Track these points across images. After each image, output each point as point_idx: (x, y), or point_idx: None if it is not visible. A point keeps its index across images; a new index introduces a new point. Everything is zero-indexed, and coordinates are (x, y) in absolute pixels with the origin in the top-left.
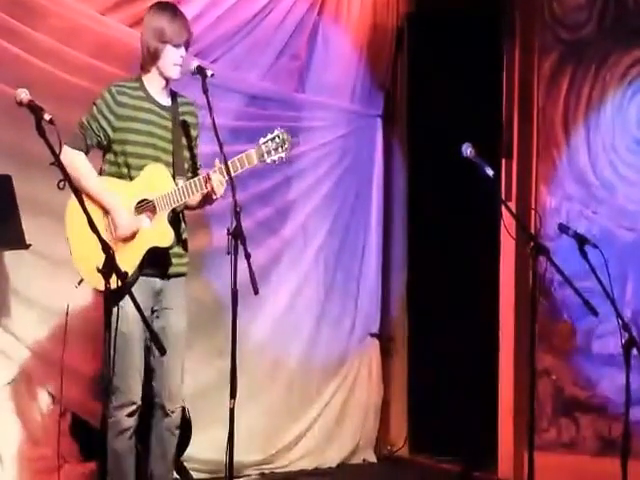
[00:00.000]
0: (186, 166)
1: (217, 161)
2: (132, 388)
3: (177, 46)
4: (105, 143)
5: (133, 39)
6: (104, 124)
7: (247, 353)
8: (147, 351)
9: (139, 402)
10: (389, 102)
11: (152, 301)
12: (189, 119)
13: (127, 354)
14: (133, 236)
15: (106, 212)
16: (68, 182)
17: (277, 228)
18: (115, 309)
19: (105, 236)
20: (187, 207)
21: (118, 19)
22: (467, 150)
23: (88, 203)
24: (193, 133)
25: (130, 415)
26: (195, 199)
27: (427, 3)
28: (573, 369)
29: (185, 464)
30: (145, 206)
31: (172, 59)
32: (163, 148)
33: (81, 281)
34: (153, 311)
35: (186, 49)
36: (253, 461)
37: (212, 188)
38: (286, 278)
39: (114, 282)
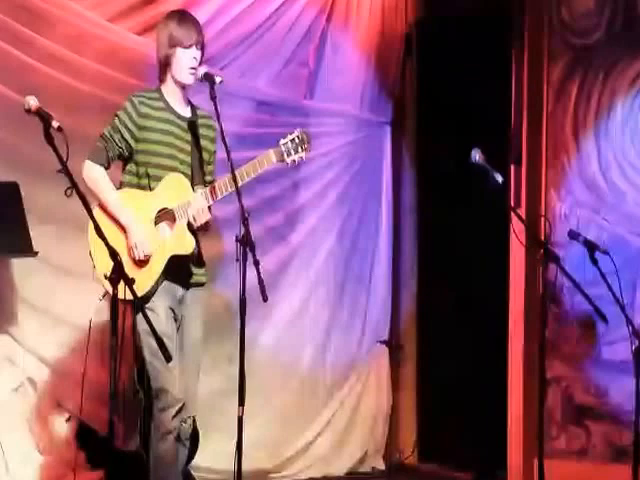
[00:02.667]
0: (206, 178)
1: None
2: (174, 386)
3: (187, 47)
4: (127, 154)
5: (140, 46)
6: (127, 135)
7: (256, 360)
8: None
9: (183, 398)
10: (398, 109)
11: (175, 306)
12: (207, 133)
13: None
14: (146, 262)
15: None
16: (76, 190)
17: (286, 235)
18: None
19: (126, 251)
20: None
21: (126, 27)
22: (476, 156)
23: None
24: (211, 147)
25: (175, 415)
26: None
27: (436, 10)
28: (583, 376)
29: (193, 473)
30: (165, 215)
31: (183, 62)
32: (181, 159)
33: (105, 294)
34: (176, 317)
35: (201, 51)
36: (261, 469)
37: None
38: (295, 285)
39: (122, 290)
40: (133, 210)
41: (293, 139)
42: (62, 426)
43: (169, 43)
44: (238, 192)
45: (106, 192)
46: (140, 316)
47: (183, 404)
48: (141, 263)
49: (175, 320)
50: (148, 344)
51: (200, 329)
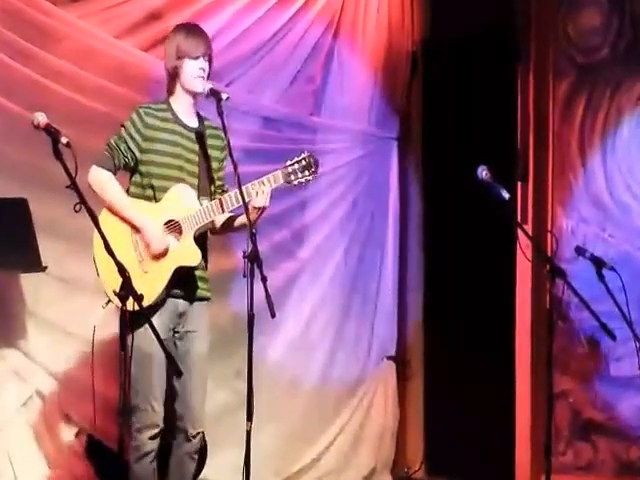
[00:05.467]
0: (212, 189)
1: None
2: (155, 409)
3: (195, 58)
4: (132, 164)
5: (147, 62)
6: (132, 145)
7: (264, 375)
8: (170, 374)
9: (162, 424)
10: (404, 125)
11: (174, 322)
12: (216, 142)
13: (149, 375)
14: (165, 253)
15: (136, 230)
16: (84, 205)
17: (293, 251)
18: (139, 329)
19: (134, 255)
20: (214, 231)
21: (132, 43)
22: (482, 173)
23: (117, 222)
24: (220, 155)
25: (152, 438)
26: (220, 220)
27: (442, 27)
28: (590, 392)
29: None
30: (171, 226)
31: (191, 72)
32: (188, 170)
33: (108, 302)
34: (175, 332)
35: (209, 63)
36: None
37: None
38: (302, 301)
39: (130, 304)
40: None
41: (300, 161)
42: (71, 439)
43: (177, 55)
44: (246, 209)
45: (115, 194)
46: (137, 331)
47: (160, 430)
48: (153, 264)
49: (174, 335)
50: (137, 361)
51: (205, 344)
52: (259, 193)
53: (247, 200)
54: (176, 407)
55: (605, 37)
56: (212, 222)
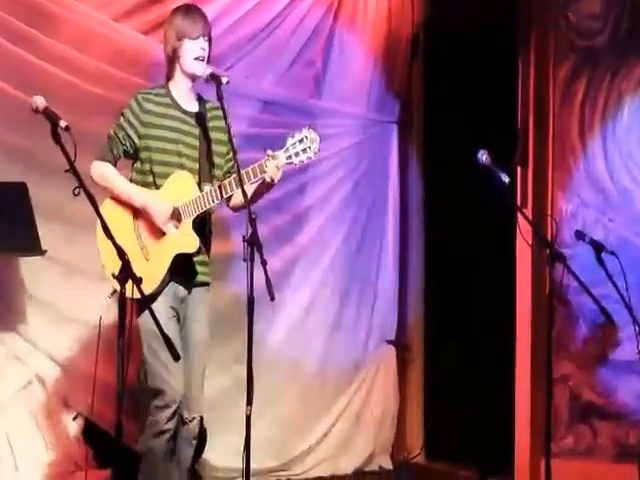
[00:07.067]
0: (217, 172)
1: (269, 151)
2: (173, 387)
3: (195, 38)
4: (132, 151)
5: (147, 46)
6: (130, 132)
7: (263, 360)
8: None
9: (179, 400)
10: (405, 109)
11: (177, 304)
12: (218, 123)
13: (162, 355)
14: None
15: (136, 216)
16: (83, 189)
17: (293, 235)
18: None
19: (136, 243)
20: (234, 208)
21: (132, 26)
22: (483, 157)
23: (119, 210)
24: (223, 137)
25: (171, 417)
26: (237, 200)
27: (442, 11)
28: (590, 376)
29: (200, 471)
30: (171, 213)
31: (192, 53)
32: (188, 155)
33: (114, 292)
34: (177, 316)
35: (209, 42)
36: (269, 468)
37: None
38: (302, 285)
39: (130, 289)
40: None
41: (302, 139)
42: (70, 424)
43: (176, 36)
44: (244, 192)
45: (115, 181)
46: (143, 315)
47: (179, 406)
48: (154, 252)
49: (177, 320)
50: (148, 343)
51: (205, 329)
52: (270, 167)
53: (252, 181)
54: None
55: (605, 21)
56: (213, 207)
